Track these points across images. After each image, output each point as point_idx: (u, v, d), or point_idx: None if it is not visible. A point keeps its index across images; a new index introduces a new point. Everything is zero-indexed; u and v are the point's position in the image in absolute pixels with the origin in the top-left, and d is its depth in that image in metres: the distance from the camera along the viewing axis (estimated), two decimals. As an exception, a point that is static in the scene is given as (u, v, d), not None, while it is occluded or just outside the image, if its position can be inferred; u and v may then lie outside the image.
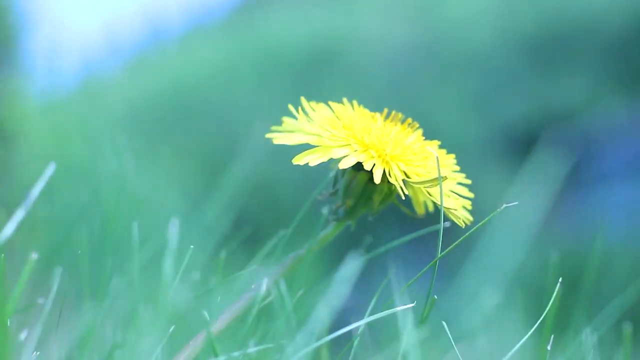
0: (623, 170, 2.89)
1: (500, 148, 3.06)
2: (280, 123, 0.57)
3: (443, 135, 0.65)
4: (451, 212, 0.54)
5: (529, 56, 3.20)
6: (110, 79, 3.63)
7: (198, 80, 3.40)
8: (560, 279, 0.59)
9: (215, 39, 3.80)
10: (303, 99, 0.56)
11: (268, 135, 0.55)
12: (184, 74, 3.46)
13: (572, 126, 3.01)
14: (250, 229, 0.70)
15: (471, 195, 0.57)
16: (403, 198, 0.53)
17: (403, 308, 0.52)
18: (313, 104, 0.57)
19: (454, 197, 0.55)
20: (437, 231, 0.53)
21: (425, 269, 0.52)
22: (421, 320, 0.51)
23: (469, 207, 0.56)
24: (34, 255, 0.45)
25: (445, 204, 0.53)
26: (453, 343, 0.55)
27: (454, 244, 0.51)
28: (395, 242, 0.59)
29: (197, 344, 0.52)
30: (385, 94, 3.17)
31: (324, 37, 3.48)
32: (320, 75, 3.30)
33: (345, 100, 0.58)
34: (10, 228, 0.48)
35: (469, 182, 0.57)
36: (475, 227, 0.53)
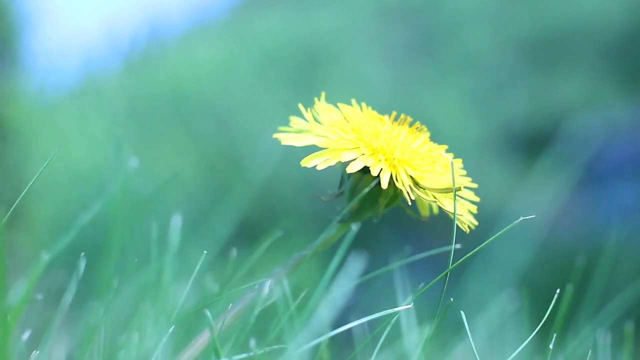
0: (623, 170, 2.89)
1: (500, 148, 3.06)
2: (286, 123, 0.56)
3: (443, 135, 0.65)
4: (456, 217, 0.53)
5: (529, 56, 3.20)
6: (110, 77, 3.63)
7: (197, 79, 3.40)
8: (556, 282, 0.59)
9: (215, 37, 3.80)
10: (316, 99, 0.56)
11: (275, 136, 0.55)
12: (183, 73, 3.46)
13: (572, 126, 3.01)
14: (254, 233, 0.70)
15: (477, 199, 0.56)
16: (409, 203, 0.53)
17: (404, 308, 0.52)
18: (322, 104, 0.56)
19: (459, 202, 0.54)
20: (441, 229, 0.53)
21: (436, 279, 0.51)
22: (432, 329, 0.50)
23: (474, 212, 0.55)
24: (45, 256, 0.45)
25: (450, 209, 0.53)
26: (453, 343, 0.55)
27: (465, 257, 0.51)
28: (406, 260, 0.58)
29: (199, 344, 0.51)
30: (385, 94, 3.17)
31: (323, 37, 3.48)
32: (319, 74, 3.30)
33: (353, 101, 0.57)
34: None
35: (475, 185, 0.57)
36: (490, 240, 0.52)
